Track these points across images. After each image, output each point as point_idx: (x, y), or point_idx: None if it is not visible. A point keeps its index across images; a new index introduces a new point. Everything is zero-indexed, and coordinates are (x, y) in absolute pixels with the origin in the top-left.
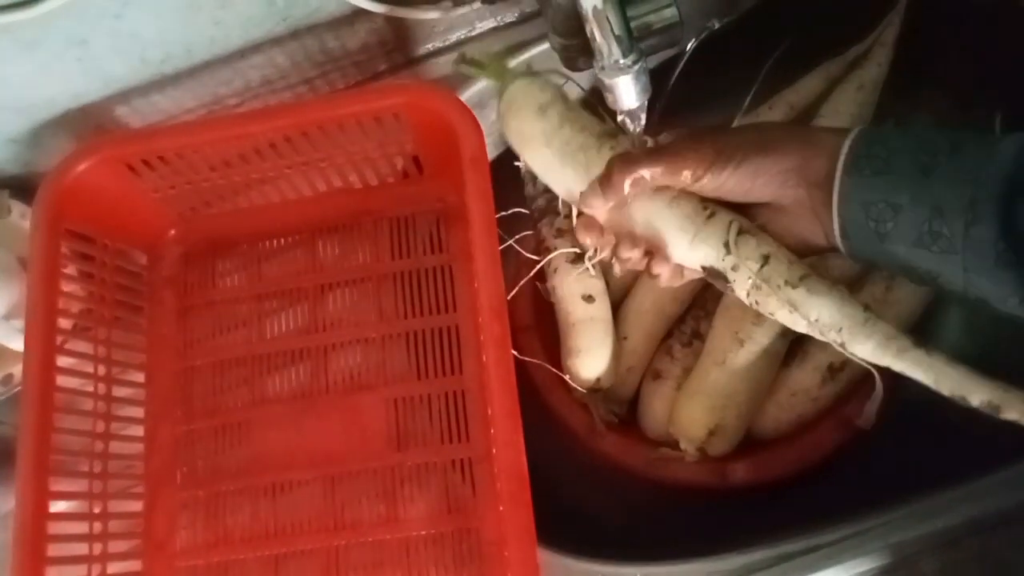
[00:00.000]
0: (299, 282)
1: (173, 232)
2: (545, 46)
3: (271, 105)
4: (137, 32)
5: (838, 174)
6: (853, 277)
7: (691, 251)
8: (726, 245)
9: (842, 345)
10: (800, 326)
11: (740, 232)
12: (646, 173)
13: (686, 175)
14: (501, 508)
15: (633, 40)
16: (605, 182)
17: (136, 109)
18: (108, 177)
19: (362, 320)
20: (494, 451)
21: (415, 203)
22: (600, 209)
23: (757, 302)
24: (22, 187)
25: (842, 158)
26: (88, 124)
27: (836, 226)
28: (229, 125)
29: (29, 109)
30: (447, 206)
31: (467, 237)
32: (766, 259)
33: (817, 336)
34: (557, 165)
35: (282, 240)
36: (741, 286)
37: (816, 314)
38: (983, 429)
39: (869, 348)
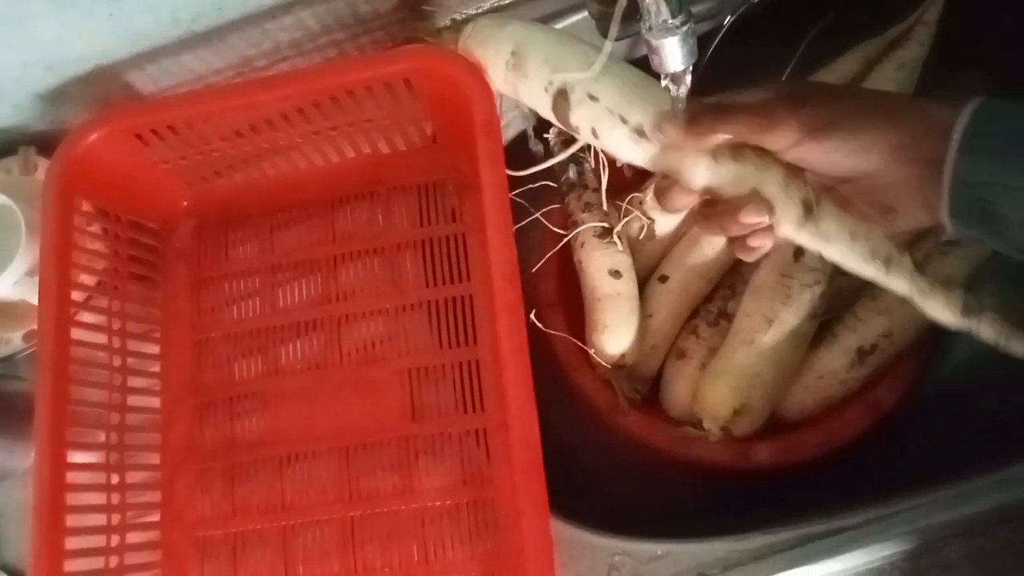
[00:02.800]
0: (312, 253)
1: (185, 204)
2: (581, 15)
3: (279, 73)
4: None
5: (951, 153)
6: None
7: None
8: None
9: None
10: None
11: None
12: (738, 134)
13: (783, 139)
14: (516, 479)
15: (682, 0)
16: (691, 129)
17: (165, 68)
18: (118, 148)
19: (376, 291)
20: (508, 421)
21: (429, 172)
22: (672, 144)
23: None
24: (49, 144)
25: (956, 136)
26: (117, 82)
27: (945, 205)
28: (238, 94)
29: (58, 66)
30: (461, 174)
31: (481, 205)
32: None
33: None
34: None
35: (295, 211)
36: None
37: None
38: (1013, 417)
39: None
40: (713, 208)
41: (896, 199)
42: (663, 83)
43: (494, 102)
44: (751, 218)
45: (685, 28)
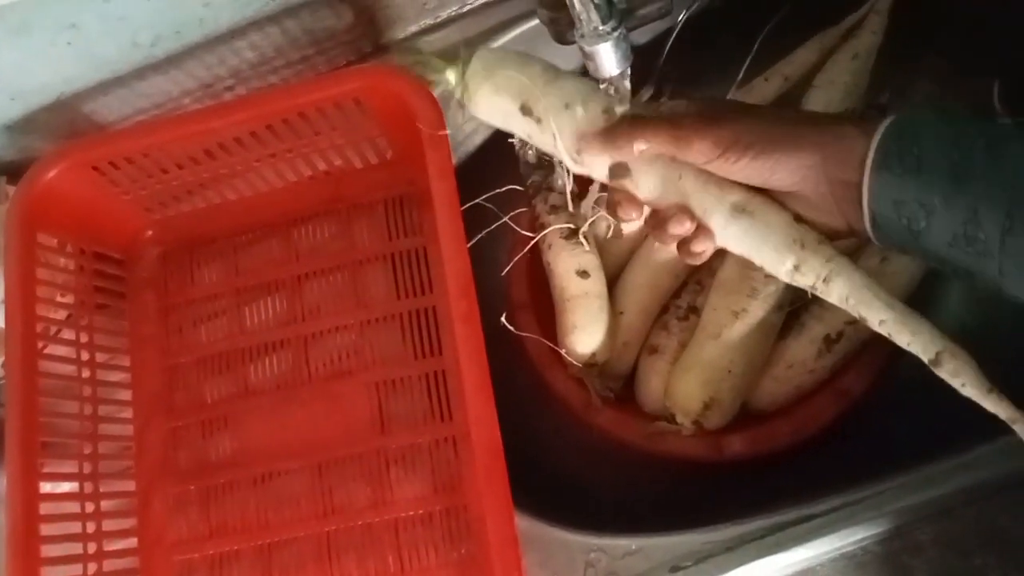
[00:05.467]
0: (277, 273)
1: (149, 233)
2: (535, 22)
3: (232, 100)
4: (127, 15)
5: (867, 171)
6: (847, 249)
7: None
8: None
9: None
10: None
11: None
12: (655, 146)
13: (697, 156)
14: (479, 483)
15: (612, 6)
16: (608, 138)
17: (129, 95)
18: (77, 182)
19: (340, 307)
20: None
21: (388, 187)
22: (595, 160)
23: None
24: (19, 173)
25: (871, 154)
26: (82, 110)
27: (867, 219)
28: (191, 122)
29: (23, 95)
30: (417, 188)
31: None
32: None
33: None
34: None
35: (257, 232)
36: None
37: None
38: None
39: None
40: (654, 219)
41: (815, 212)
42: (601, 87)
43: (441, 116)
44: (676, 229)
45: (616, 34)
